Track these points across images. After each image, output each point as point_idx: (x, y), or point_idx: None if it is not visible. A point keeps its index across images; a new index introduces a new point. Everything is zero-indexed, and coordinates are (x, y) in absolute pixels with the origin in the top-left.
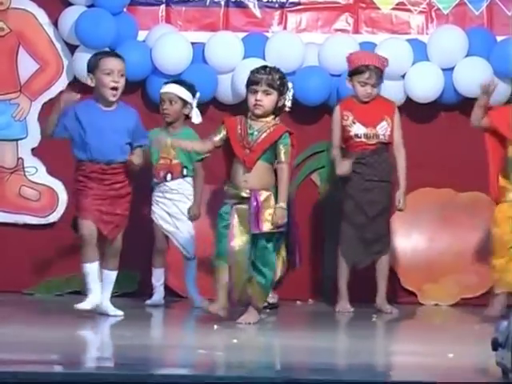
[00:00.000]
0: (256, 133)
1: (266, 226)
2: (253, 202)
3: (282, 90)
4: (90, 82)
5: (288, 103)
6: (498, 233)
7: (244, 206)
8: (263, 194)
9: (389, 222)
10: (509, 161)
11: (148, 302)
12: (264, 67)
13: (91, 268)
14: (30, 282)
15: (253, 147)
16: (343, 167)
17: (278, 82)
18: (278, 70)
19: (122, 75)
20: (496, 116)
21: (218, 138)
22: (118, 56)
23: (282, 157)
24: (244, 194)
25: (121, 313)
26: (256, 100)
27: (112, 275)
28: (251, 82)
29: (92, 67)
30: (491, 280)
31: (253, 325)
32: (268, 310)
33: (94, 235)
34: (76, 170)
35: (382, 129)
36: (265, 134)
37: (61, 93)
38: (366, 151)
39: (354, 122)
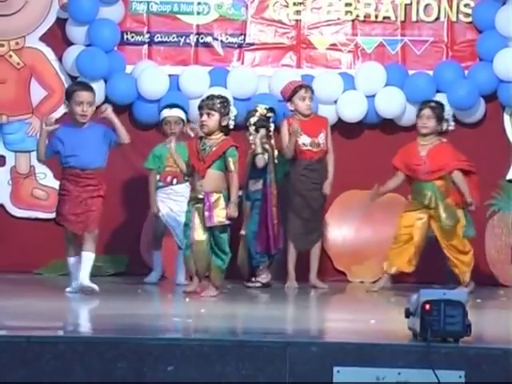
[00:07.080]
0: (208, 148)
1: (217, 220)
2: (206, 202)
3: (222, 112)
4: (64, 107)
5: (232, 122)
6: (397, 231)
7: (201, 205)
8: (214, 196)
9: (323, 216)
10: (413, 184)
11: (145, 279)
12: (208, 96)
13: (73, 261)
14: (39, 264)
15: (205, 159)
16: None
17: (219, 105)
18: (219, 97)
19: (90, 105)
20: (398, 160)
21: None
22: (88, 89)
23: (231, 167)
24: (200, 196)
25: (96, 287)
26: (202, 121)
27: (88, 255)
28: (198, 108)
29: (68, 96)
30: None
31: (213, 297)
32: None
33: (72, 236)
34: (61, 175)
35: (322, 139)
36: (215, 148)
37: (65, 114)
38: (313, 159)
39: (301, 134)
